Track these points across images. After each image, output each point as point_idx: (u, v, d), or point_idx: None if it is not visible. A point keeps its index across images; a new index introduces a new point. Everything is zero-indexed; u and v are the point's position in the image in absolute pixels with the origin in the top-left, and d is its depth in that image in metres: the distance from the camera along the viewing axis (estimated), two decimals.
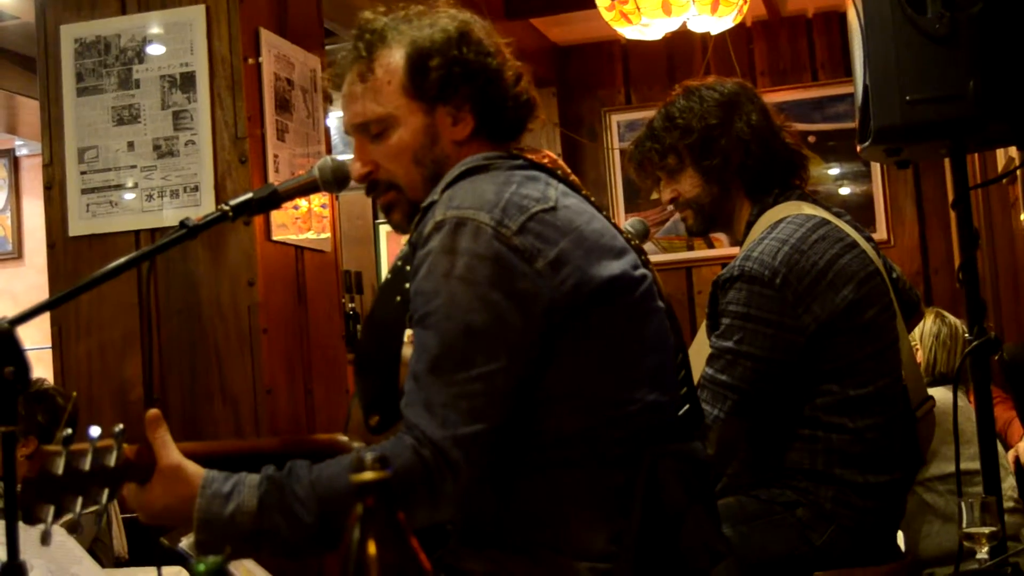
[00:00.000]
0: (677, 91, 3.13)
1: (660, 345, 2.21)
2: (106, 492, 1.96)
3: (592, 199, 2.27)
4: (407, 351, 2.13)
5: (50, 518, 1.91)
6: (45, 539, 1.91)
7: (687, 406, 2.30)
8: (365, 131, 2.26)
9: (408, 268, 2.14)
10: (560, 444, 2.10)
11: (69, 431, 1.94)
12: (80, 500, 1.93)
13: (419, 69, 2.20)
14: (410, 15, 2.26)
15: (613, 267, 2.11)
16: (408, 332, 2.16)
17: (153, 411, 2.04)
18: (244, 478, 1.99)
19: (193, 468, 2.00)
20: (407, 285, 2.13)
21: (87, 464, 1.93)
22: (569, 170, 2.31)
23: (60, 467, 1.91)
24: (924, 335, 4.37)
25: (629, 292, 2.14)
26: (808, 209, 2.96)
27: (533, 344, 2.04)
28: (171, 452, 2.01)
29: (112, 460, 1.95)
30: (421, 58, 2.20)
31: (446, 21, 2.24)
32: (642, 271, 2.19)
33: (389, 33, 2.23)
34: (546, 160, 2.26)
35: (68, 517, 1.94)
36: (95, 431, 1.96)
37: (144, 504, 2.02)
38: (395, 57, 2.22)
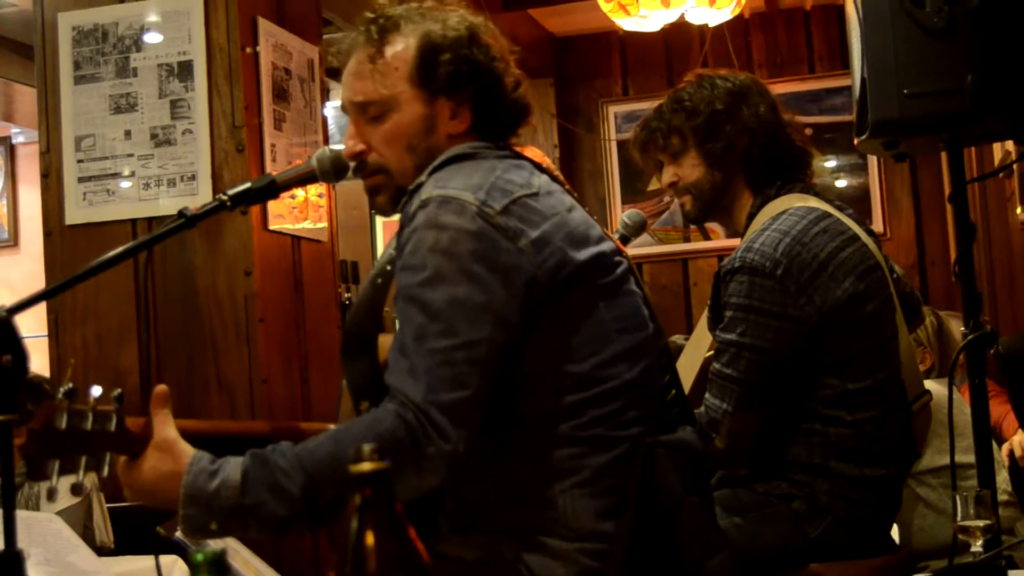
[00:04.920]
0: (689, 77, 3.13)
1: (637, 325, 2.26)
2: (108, 456, 1.96)
3: (575, 194, 2.33)
4: (383, 339, 2.17)
5: (55, 474, 1.91)
6: (51, 495, 1.91)
7: (672, 391, 2.33)
8: (363, 111, 2.29)
9: (392, 251, 2.19)
10: (544, 422, 2.14)
11: (71, 385, 1.93)
12: (84, 460, 1.93)
13: (429, 60, 2.25)
14: (423, 8, 2.32)
15: (591, 250, 2.18)
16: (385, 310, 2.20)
17: (162, 387, 2.06)
18: (229, 458, 2.01)
19: (184, 446, 2.02)
20: (388, 267, 2.20)
21: (88, 423, 1.94)
22: (553, 167, 2.37)
23: (63, 422, 1.91)
24: (930, 336, 4.34)
25: (605, 273, 2.20)
26: (810, 202, 2.96)
27: (515, 316, 2.08)
28: (168, 428, 2.03)
29: (112, 425, 1.96)
30: (433, 51, 2.25)
31: (457, 20, 2.29)
32: (619, 258, 2.26)
33: (403, 22, 2.29)
34: (531, 156, 2.32)
35: (72, 478, 1.93)
36: (96, 390, 1.96)
37: (133, 478, 2.02)
38: (407, 45, 2.27)
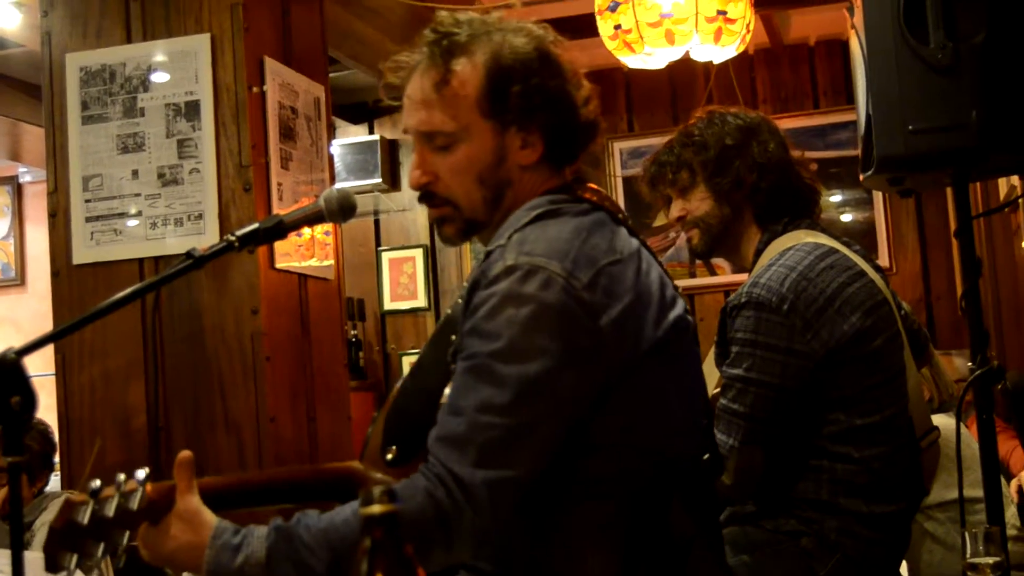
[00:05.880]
0: (700, 114, 3.14)
1: (697, 389, 2.23)
2: (126, 535, 1.95)
3: (647, 244, 2.24)
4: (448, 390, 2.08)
5: (73, 565, 1.91)
6: None
7: (707, 440, 2.31)
8: (429, 140, 2.20)
9: (462, 303, 2.10)
10: (589, 484, 2.07)
11: (98, 482, 1.94)
12: (102, 546, 1.93)
13: (499, 90, 2.14)
14: (488, 24, 2.20)
15: (668, 320, 2.11)
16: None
17: (186, 453, 2.03)
18: (253, 529, 1.97)
19: (207, 516, 1.99)
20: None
21: (112, 510, 1.93)
22: (619, 206, 2.28)
23: (86, 517, 1.92)
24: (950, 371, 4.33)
25: (677, 341, 2.13)
26: (818, 238, 2.97)
27: (582, 402, 2.01)
28: (191, 497, 2.00)
29: (135, 504, 1.95)
30: (502, 79, 2.14)
31: (524, 40, 2.18)
32: (689, 316, 2.19)
33: (468, 42, 2.17)
34: (605, 201, 2.24)
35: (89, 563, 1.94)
36: (120, 478, 1.96)
37: (153, 543, 2.00)
38: (474, 71, 2.16)
